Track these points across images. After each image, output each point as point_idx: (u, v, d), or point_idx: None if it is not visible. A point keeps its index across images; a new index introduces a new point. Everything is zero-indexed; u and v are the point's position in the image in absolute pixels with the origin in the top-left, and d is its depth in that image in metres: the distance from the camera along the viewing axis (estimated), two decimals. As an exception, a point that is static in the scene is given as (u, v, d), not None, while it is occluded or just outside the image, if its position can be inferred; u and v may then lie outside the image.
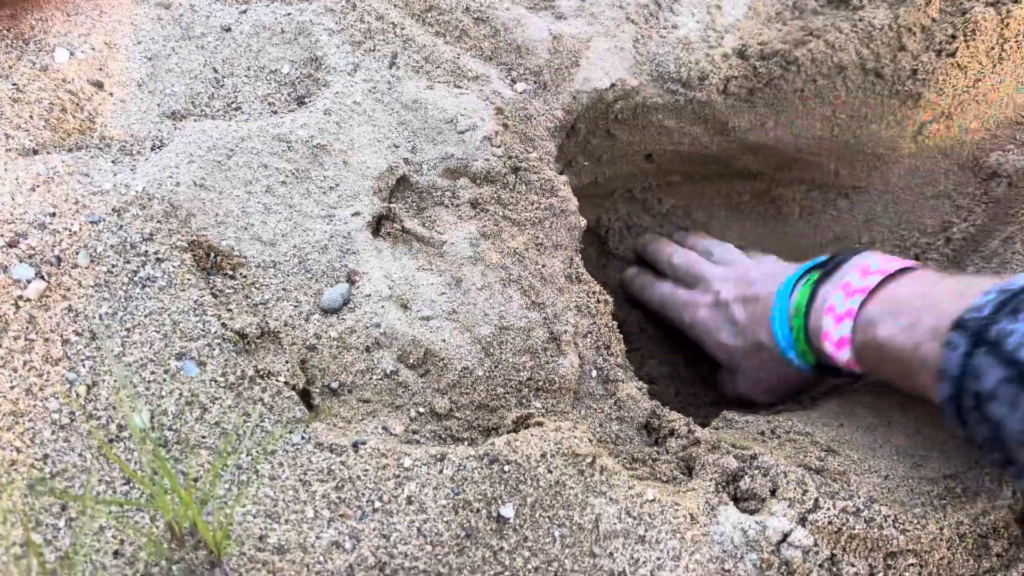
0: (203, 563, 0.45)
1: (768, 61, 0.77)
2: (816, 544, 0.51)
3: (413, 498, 0.49)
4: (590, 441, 0.54)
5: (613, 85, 0.77)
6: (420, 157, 0.68)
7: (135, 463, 0.49)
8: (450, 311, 0.61)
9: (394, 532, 0.48)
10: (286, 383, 0.54)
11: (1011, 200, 0.79)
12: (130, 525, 0.46)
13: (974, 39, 0.76)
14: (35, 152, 0.61)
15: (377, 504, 0.49)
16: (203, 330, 0.54)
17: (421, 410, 0.57)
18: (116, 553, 0.45)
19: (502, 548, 0.49)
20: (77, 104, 0.64)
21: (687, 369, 0.89)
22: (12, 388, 0.49)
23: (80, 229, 0.56)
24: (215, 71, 0.70)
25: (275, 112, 0.68)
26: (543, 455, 0.52)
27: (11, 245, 0.54)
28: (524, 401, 0.59)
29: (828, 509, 0.52)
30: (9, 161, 0.59)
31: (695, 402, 0.86)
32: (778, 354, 0.70)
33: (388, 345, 0.58)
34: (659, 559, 0.50)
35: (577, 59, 0.76)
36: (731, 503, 0.53)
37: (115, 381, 0.51)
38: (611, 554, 0.49)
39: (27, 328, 0.51)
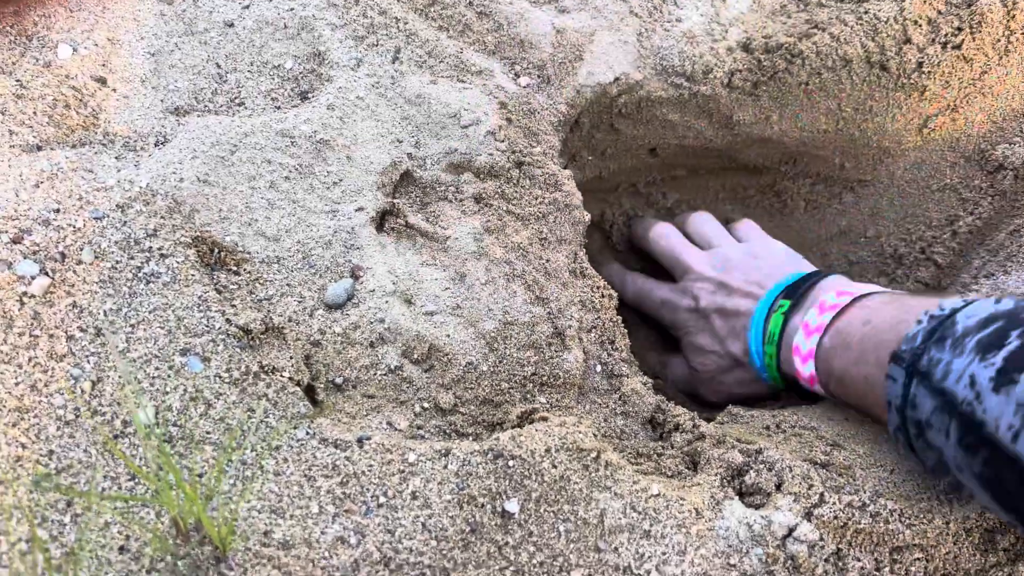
0: (208, 559, 0.45)
1: (773, 54, 0.77)
2: (822, 539, 0.51)
3: (418, 493, 0.49)
4: (595, 436, 0.54)
5: (617, 79, 0.76)
6: (424, 152, 0.68)
7: (140, 459, 0.49)
8: (454, 306, 0.61)
9: (399, 527, 0.48)
10: (290, 379, 0.54)
11: (1017, 193, 0.79)
12: (135, 521, 0.46)
13: (980, 31, 0.76)
14: (39, 148, 0.61)
15: (382, 499, 0.49)
16: (207, 326, 0.54)
17: (425, 405, 0.57)
18: (122, 549, 0.45)
19: (507, 543, 0.49)
20: (80, 100, 0.64)
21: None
22: (17, 384, 0.49)
23: (84, 225, 0.56)
24: (218, 66, 0.70)
25: (278, 107, 0.68)
26: (548, 450, 0.52)
27: (15, 241, 0.54)
28: (528, 396, 0.59)
29: (834, 503, 0.52)
30: (13, 157, 0.59)
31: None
32: (753, 372, 0.73)
33: (392, 340, 0.58)
34: (664, 554, 0.50)
35: (581, 53, 0.76)
36: (736, 498, 0.53)
37: (120, 377, 0.51)
38: (616, 549, 0.49)
39: (32, 324, 0.51)
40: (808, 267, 0.75)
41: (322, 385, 0.56)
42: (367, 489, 0.49)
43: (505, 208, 0.66)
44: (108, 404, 0.50)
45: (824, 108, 0.80)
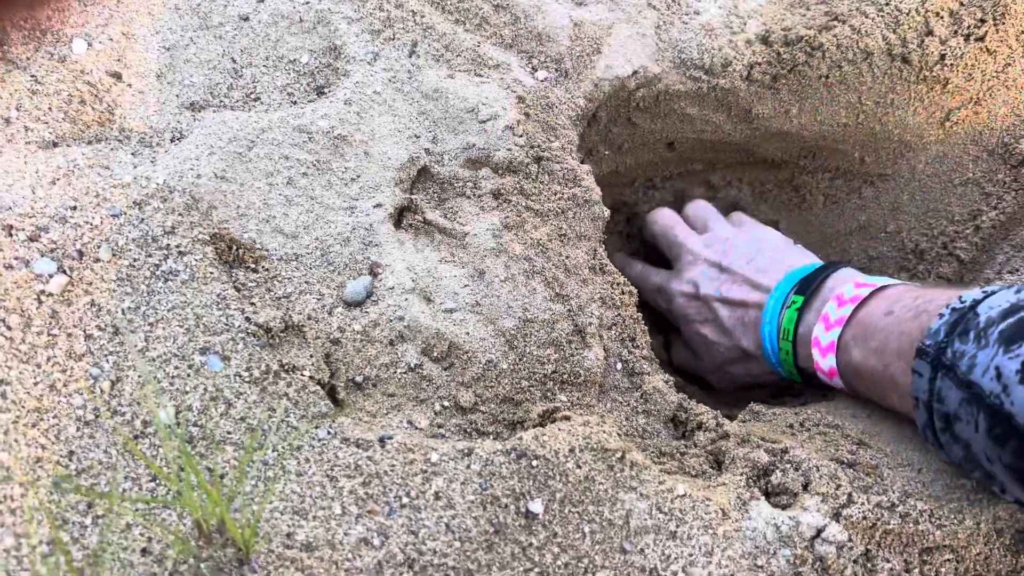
0: (231, 561, 0.44)
1: (792, 47, 0.76)
2: (850, 540, 0.50)
3: (441, 493, 0.49)
4: (619, 435, 0.54)
5: (635, 72, 0.75)
6: (441, 147, 0.67)
7: (161, 459, 0.48)
8: (473, 303, 0.60)
9: (422, 528, 0.48)
10: (311, 377, 0.53)
11: (1042, 187, 0.78)
12: (157, 523, 0.45)
13: (1004, 23, 0.75)
14: (55, 145, 0.60)
15: (405, 500, 0.49)
16: (226, 324, 0.53)
17: (446, 404, 0.56)
18: (144, 551, 0.45)
19: (531, 544, 0.48)
20: (96, 95, 0.64)
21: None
22: (36, 384, 0.49)
23: (101, 223, 0.55)
24: (234, 61, 0.69)
25: (295, 103, 0.68)
26: (571, 450, 0.51)
27: (32, 239, 0.53)
28: (549, 394, 0.59)
29: (862, 504, 0.51)
30: (29, 154, 0.58)
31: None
32: (765, 365, 0.72)
33: (412, 338, 0.57)
34: (691, 555, 0.49)
35: (599, 46, 0.75)
36: (763, 498, 0.52)
37: (139, 377, 0.50)
38: (642, 550, 0.49)
39: (50, 323, 0.51)
40: (812, 258, 0.74)
41: (342, 384, 0.55)
42: (390, 489, 0.49)
43: (524, 204, 0.66)
44: (128, 404, 0.49)
45: (844, 101, 0.79)
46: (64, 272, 0.53)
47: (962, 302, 0.52)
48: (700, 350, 0.78)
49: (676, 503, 0.50)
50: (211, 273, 0.55)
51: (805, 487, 0.52)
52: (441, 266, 0.62)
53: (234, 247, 0.58)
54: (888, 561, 0.50)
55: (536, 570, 0.48)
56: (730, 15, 0.79)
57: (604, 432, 0.52)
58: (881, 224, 0.87)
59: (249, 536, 0.44)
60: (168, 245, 0.56)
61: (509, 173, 0.67)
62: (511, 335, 0.59)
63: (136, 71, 0.66)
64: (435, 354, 0.57)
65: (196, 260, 0.56)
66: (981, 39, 0.75)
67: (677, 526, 0.50)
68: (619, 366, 0.63)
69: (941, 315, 0.52)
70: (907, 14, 0.74)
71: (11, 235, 0.53)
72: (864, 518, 0.51)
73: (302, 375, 0.53)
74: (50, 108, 0.61)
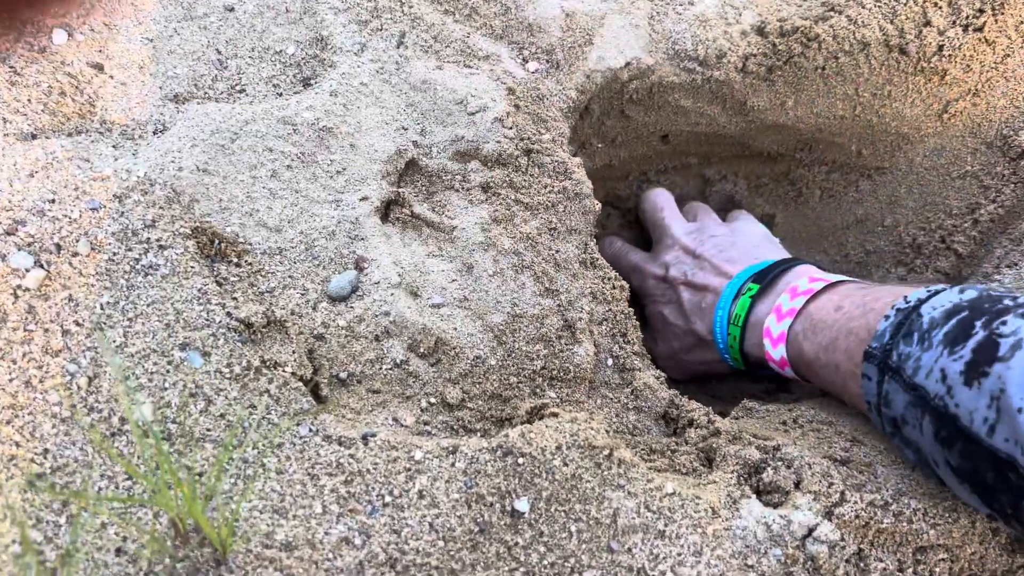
0: (208, 561, 0.43)
1: (788, 38, 0.74)
2: (843, 539, 0.49)
3: (425, 492, 0.48)
4: (607, 432, 0.53)
5: (628, 64, 0.74)
6: (429, 140, 0.66)
7: (138, 457, 0.47)
8: (461, 298, 0.59)
9: (405, 527, 0.47)
10: (293, 374, 0.52)
11: (1041, 180, 0.77)
12: (133, 522, 0.44)
13: (1003, 13, 0.73)
14: (33, 137, 0.59)
15: (388, 498, 0.48)
16: (207, 319, 0.52)
17: (432, 400, 0.55)
18: (118, 551, 0.44)
19: (517, 543, 0.47)
20: (76, 87, 0.62)
21: None
22: (11, 380, 0.48)
23: (80, 216, 0.54)
24: (218, 52, 0.68)
25: (280, 94, 0.66)
26: (558, 447, 0.50)
27: (9, 233, 0.52)
28: (538, 391, 0.58)
29: (855, 502, 0.50)
30: (7, 146, 0.57)
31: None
32: (715, 351, 0.73)
33: (398, 334, 0.56)
34: (679, 555, 0.48)
35: (591, 37, 0.74)
36: (754, 496, 0.51)
37: (115, 373, 0.49)
38: (630, 550, 0.48)
39: (26, 318, 0.50)
40: (782, 253, 0.75)
41: (325, 380, 0.54)
42: (372, 488, 0.48)
43: (513, 197, 0.65)
44: (105, 401, 0.48)
45: (841, 93, 0.78)
46: (41, 266, 0.52)
47: (907, 302, 0.52)
48: (657, 332, 0.79)
49: (665, 501, 0.49)
50: (192, 267, 0.54)
51: (797, 485, 0.51)
52: (428, 260, 0.61)
53: (216, 241, 0.57)
54: (881, 561, 0.49)
55: (521, 570, 0.47)
56: (725, 5, 0.78)
57: (592, 429, 0.51)
58: (878, 218, 0.86)
59: (226, 535, 0.43)
60: (148, 239, 0.55)
61: (498, 166, 0.66)
62: (500, 330, 0.58)
63: (118, 62, 0.65)
64: (422, 350, 0.56)
65: (177, 254, 0.55)
66: (980, 29, 0.74)
67: (666, 525, 0.49)
68: (610, 362, 0.62)
69: (887, 316, 0.52)
70: (905, 4, 0.73)
71: (-13, 229, 0.52)
72: (857, 517, 0.49)
73: (284, 371, 0.52)
74: (29, 100, 0.60)
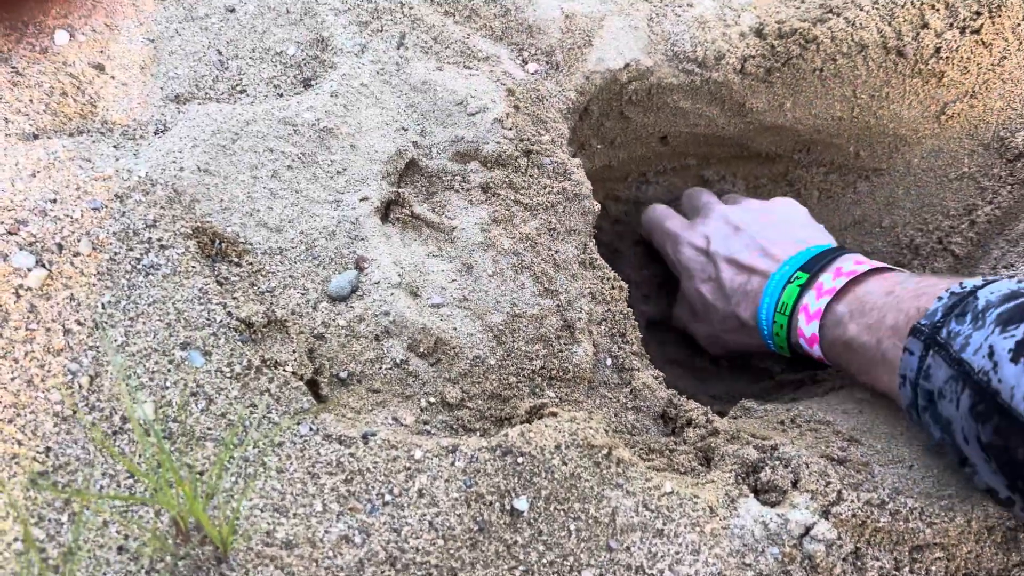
0: (209, 559, 0.44)
1: (786, 40, 0.75)
2: (840, 537, 0.49)
3: (424, 491, 0.48)
4: (606, 432, 0.53)
5: (627, 65, 0.75)
6: (429, 140, 0.66)
7: (140, 456, 0.47)
8: (461, 298, 0.59)
9: (405, 526, 0.47)
10: (293, 373, 0.52)
11: (1037, 181, 0.77)
12: (134, 520, 0.44)
13: (1000, 15, 0.74)
14: (35, 137, 0.59)
15: (388, 497, 0.48)
16: (208, 319, 0.53)
17: (432, 400, 0.55)
18: (120, 549, 0.44)
19: (516, 542, 0.47)
20: (78, 87, 0.63)
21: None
22: (13, 379, 0.48)
23: (82, 216, 0.54)
24: (219, 53, 0.68)
25: (281, 95, 0.67)
26: (557, 446, 0.50)
27: (11, 232, 0.52)
28: (537, 390, 0.58)
29: (852, 501, 0.50)
30: (9, 146, 0.57)
31: (705, 380, 0.85)
32: (757, 335, 0.72)
33: (398, 333, 0.56)
34: (678, 553, 0.48)
35: (590, 38, 0.74)
36: (751, 495, 0.52)
37: (116, 372, 0.50)
38: (628, 548, 0.48)
39: (28, 317, 0.50)
40: (829, 239, 0.74)
41: (326, 379, 0.54)
42: (372, 487, 0.48)
43: (513, 198, 0.65)
44: (106, 399, 0.49)
45: (839, 95, 0.78)
46: (43, 266, 0.52)
47: (962, 287, 0.52)
48: (698, 311, 0.78)
49: (663, 500, 0.50)
50: (193, 267, 0.55)
51: (794, 484, 0.52)
52: (428, 260, 0.61)
53: (217, 241, 0.57)
54: (878, 559, 0.49)
55: (521, 568, 0.47)
56: (724, 7, 0.78)
57: (591, 429, 0.52)
58: (876, 219, 0.86)
59: (227, 534, 0.43)
60: (150, 239, 0.55)
61: (498, 167, 0.66)
62: (499, 330, 0.59)
63: (119, 63, 0.65)
64: (421, 350, 0.57)
65: (178, 254, 0.55)
66: (977, 32, 0.74)
67: (664, 524, 0.49)
68: (608, 362, 0.62)
69: (940, 298, 0.53)
70: (902, 6, 0.74)
71: (-11, 228, 0.52)
72: (854, 515, 0.50)
73: (284, 370, 0.52)
74: (31, 100, 0.61)
